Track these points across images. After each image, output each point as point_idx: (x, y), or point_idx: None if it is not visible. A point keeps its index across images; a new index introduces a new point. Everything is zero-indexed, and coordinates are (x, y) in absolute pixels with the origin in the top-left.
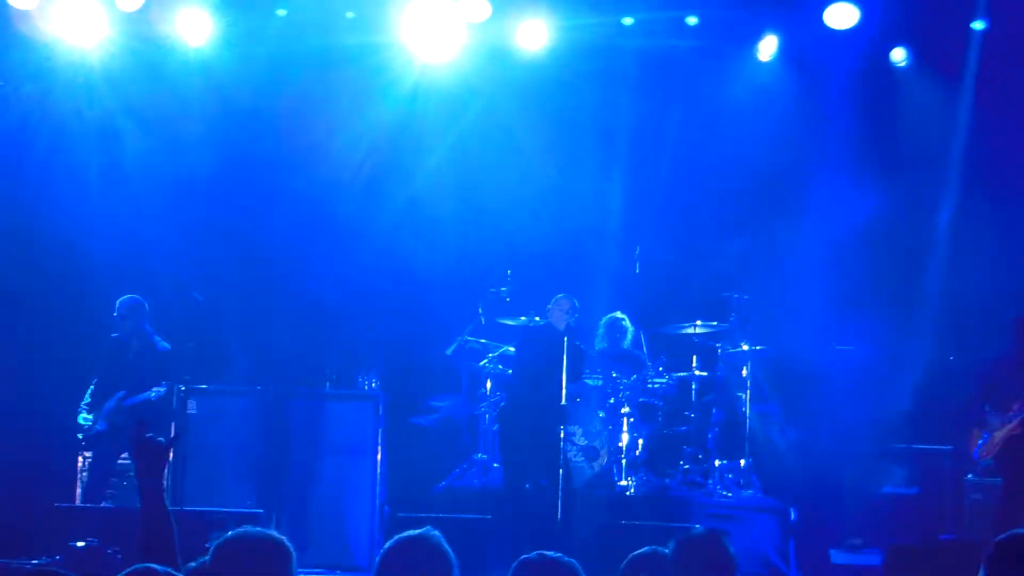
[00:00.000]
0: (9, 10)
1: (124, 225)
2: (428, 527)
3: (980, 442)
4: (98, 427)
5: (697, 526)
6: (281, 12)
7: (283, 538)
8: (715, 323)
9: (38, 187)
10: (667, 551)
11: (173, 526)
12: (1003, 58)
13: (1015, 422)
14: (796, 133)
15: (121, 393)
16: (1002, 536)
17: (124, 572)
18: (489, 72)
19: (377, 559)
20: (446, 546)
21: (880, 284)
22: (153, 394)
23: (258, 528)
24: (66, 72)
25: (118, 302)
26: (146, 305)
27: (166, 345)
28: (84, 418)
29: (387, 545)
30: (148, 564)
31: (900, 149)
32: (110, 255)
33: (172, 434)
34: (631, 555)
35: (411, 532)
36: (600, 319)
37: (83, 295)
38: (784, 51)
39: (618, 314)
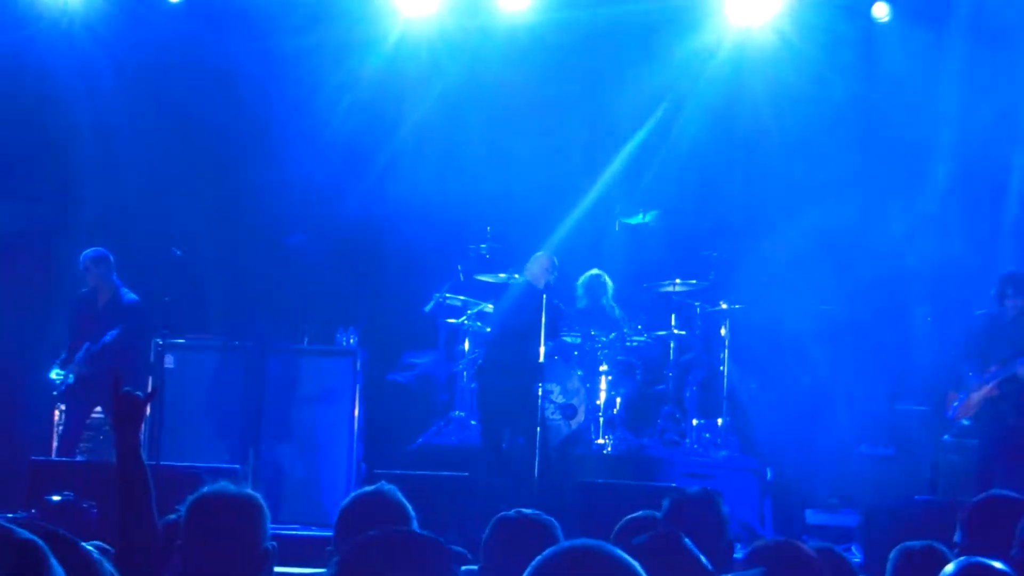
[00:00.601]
0: None
1: (104, 179)
2: (382, 482)
3: (956, 403)
4: (67, 380)
5: (673, 484)
6: None
7: (257, 494)
8: (694, 281)
9: (19, 137)
10: (659, 513)
11: (150, 481)
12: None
13: (992, 383)
14: (779, 96)
15: (87, 345)
16: (978, 497)
17: None
18: (471, 28)
19: (335, 516)
20: (402, 499)
21: (861, 244)
22: (108, 337)
23: (232, 484)
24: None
25: (82, 255)
26: (111, 257)
27: (133, 296)
28: (57, 373)
29: (344, 502)
30: (10, 527)
31: (884, 111)
32: (88, 209)
33: (149, 388)
34: (624, 519)
35: (367, 488)
36: (579, 277)
37: (60, 250)
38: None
39: (595, 271)
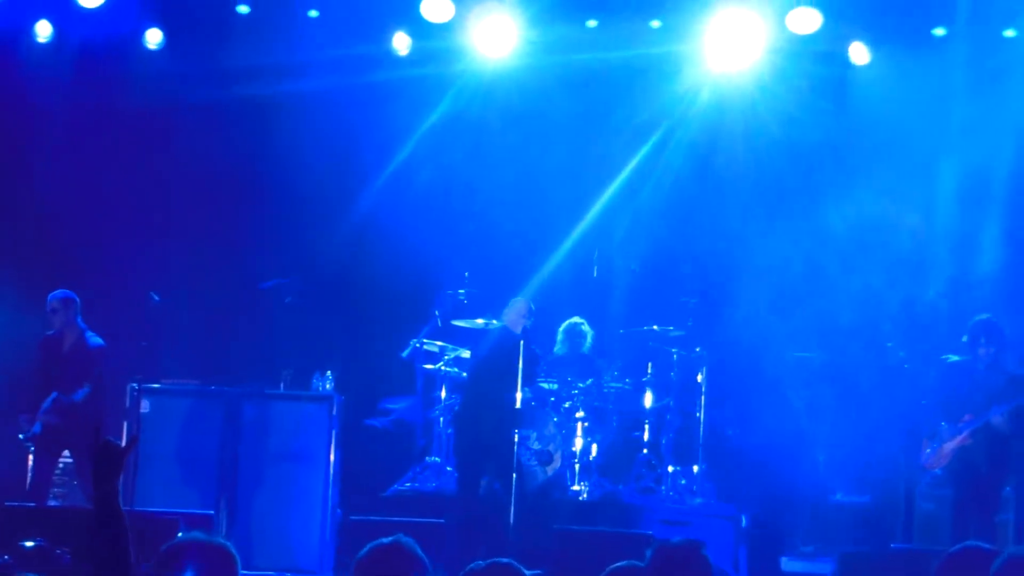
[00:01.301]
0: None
1: (84, 222)
2: (400, 534)
3: (929, 451)
4: (34, 429)
5: (649, 532)
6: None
7: (228, 543)
8: (671, 327)
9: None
10: (643, 564)
11: (127, 530)
12: None
13: (965, 433)
14: (760, 139)
15: (54, 395)
16: (953, 548)
17: None
18: (452, 73)
19: (352, 567)
20: (420, 552)
21: (838, 290)
22: (78, 396)
23: (202, 533)
24: None
25: (50, 296)
26: (77, 300)
27: (99, 340)
28: (24, 418)
29: (361, 553)
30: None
31: (861, 154)
32: (66, 252)
33: (125, 432)
34: (609, 568)
35: (384, 540)
36: (558, 324)
37: (32, 292)
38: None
39: (577, 319)
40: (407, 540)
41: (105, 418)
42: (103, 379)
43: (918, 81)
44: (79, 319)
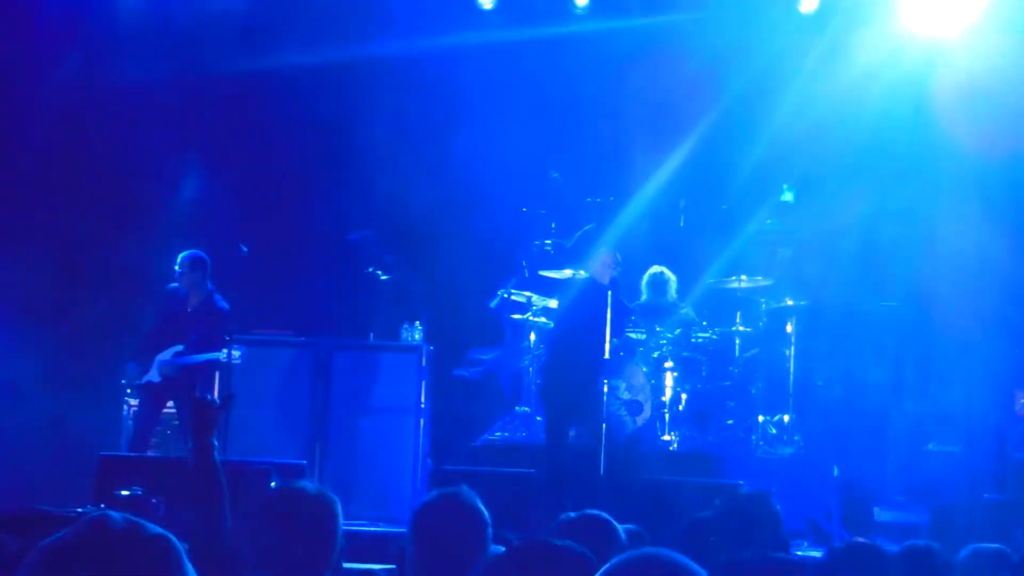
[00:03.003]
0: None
1: (173, 174)
2: (462, 485)
3: (1023, 401)
4: (150, 378)
5: (740, 482)
6: None
7: (331, 494)
8: (759, 278)
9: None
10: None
11: (224, 483)
12: None
13: None
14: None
15: (179, 347)
16: None
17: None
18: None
19: (410, 516)
20: (480, 504)
21: (925, 239)
22: (223, 355)
23: (306, 482)
24: None
25: (180, 256)
26: (208, 260)
27: (226, 305)
28: (133, 367)
29: (420, 502)
30: (106, 512)
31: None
32: (159, 205)
33: (218, 384)
34: (692, 518)
35: (445, 489)
36: (643, 273)
37: (132, 245)
38: None
39: (658, 267)
40: (468, 491)
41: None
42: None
43: None
44: (208, 280)
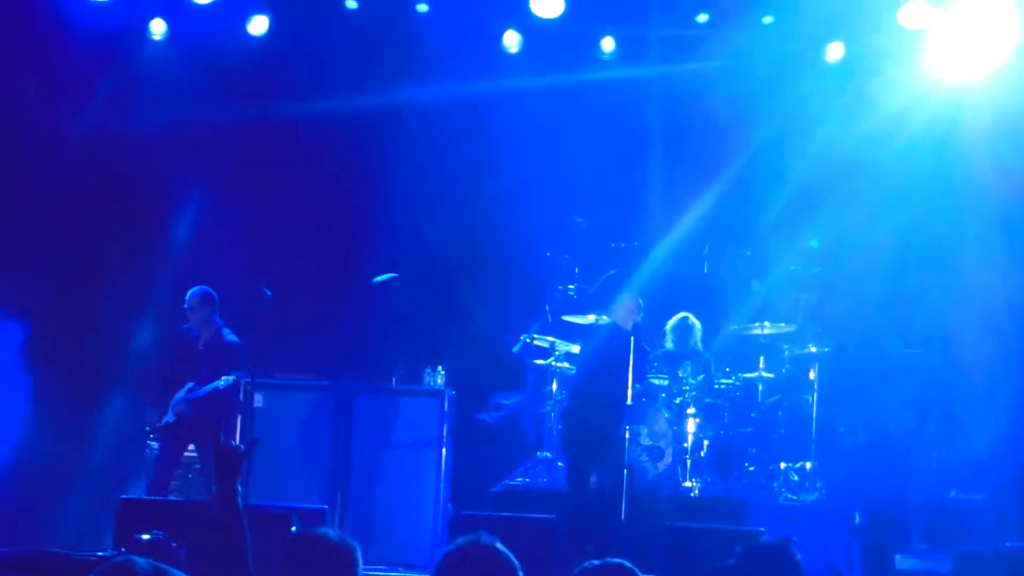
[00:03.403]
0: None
1: (196, 218)
2: (482, 532)
3: None
4: (167, 419)
5: (761, 529)
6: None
7: (351, 541)
8: (782, 324)
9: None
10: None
11: (247, 529)
12: None
13: None
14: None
15: (190, 384)
16: None
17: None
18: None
19: (437, 564)
20: (506, 551)
21: (950, 285)
22: (222, 383)
23: (327, 528)
24: None
25: (188, 293)
26: (216, 296)
27: (235, 338)
28: (152, 412)
29: (445, 551)
30: (130, 557)
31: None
32: (179, 247)
33: (240, 428)
34: (713, 567)
35: (469, 537)
36: (667, 319)
37: (151, 286)
38: None
39: (684, 314)
40: (487, 538)
41: (232, 415)
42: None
43: None
44: (216, 316)
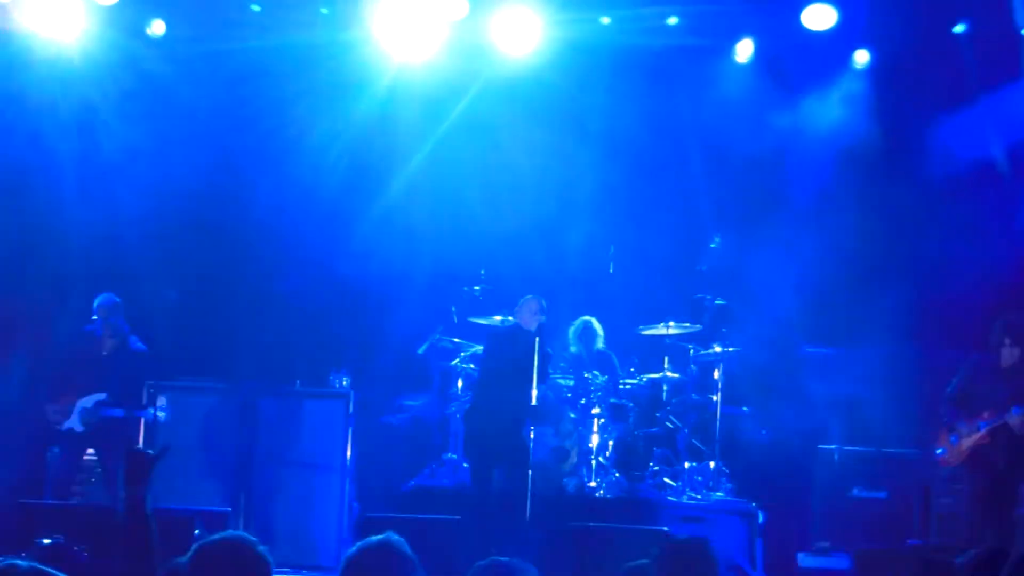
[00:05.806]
0: None
1: (98, 219)
2: (389, 532)
3: (945, 448)
4: (72, 425)
5: (666, 528)
6: (255, 8)
7: (264, 548)
8: (687, 324)
9: (13, 181)
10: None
11: (154, 532)
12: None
13: (984, 431)
14: (773, 135)
15: (101, 396)
16: (981, 551)
17: None
18: (466, 71)
19: (340, 566)
20: (408, 550)
21: (852, 285)
22: (128, 412)
23: (241, 534)
24: (42, 66)
25: (97, 301)
26: (119, 302)
27: (142, 346)
28: (55, 414)
29: (350, 551)
30: (12, 562)
31: (872, 151)
32: (82, 249)
33: (143, 431)
34: (628, 566)
35: (374, 538)
36: (572, 320)
37: (53, 289)
38: (760, 53)
39: (586, 317)
40: (397, 538)
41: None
42: (141, 387)
43: None
44: (122, 321)
